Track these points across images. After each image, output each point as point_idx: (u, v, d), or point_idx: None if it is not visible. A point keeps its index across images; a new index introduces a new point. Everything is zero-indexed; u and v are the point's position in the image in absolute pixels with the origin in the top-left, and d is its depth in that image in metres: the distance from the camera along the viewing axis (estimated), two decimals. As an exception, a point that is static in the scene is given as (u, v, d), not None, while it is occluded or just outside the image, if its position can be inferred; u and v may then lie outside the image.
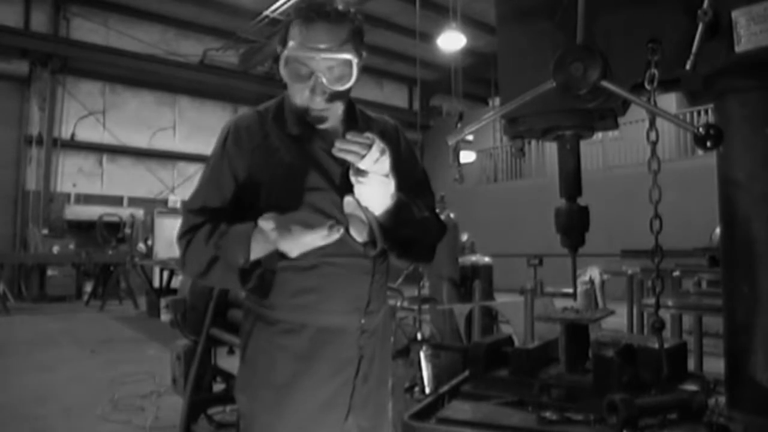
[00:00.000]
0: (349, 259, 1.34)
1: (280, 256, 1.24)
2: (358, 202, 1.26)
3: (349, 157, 1.16)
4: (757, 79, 1.18)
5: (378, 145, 1.17)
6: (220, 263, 1.26)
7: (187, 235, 1.31)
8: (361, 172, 1.19)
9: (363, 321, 1.37)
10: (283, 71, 1.29)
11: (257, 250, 1.23)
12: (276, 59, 1.34)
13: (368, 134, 1.18)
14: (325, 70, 1.27)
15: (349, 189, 1.24)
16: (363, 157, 1.16)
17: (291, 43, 1.27)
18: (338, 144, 1.16)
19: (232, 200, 1.33)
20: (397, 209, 1.28)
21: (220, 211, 1.31)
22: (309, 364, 1.32)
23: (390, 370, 1.55)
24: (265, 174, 1.32)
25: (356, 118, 1.44)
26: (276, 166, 1.32)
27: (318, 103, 1.29)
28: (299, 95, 1.29)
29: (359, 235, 1.30)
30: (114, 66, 13.43)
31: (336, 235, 1.17)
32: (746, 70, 1.17)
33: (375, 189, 1.22)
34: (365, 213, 1.28)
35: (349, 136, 1.16)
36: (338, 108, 1.36)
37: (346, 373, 1.35)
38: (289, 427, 1.32)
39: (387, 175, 1.22)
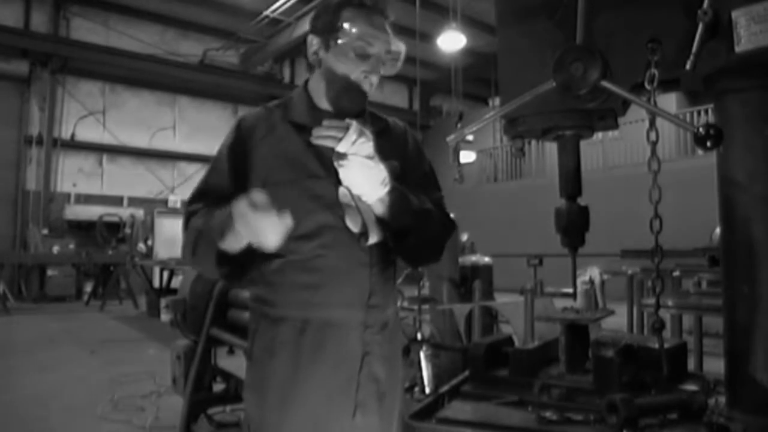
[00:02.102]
0: (346, 250, 1.34)
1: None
2: (350, 192, 1.27)
3: (327, 143, 1.21)
4: (757, 79, 1.18)
5: (355, 128, 1.20)
6: (204, 241, 1.28)
7: (186, 224, 1.36)
8: (341, 156, 1.22)
9: (366, 315, 1.36)
10: (341, 47, 1.34)
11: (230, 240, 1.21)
12: (324, 40, 1.37)
13: (347, 120, 1.22)
14: (384, 54, 1.37)
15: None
16: (340, 140, 1.20)
17: (349, 25, 1.33)
18: (314, 131, 1.21)
19: (233, 188, 1.32)
20: (392, 198, 1.29)
21: (220, 199, 1.31)
22: (312, 360, 1.32)
23: (401, 373, 1.53)
24: (268, 162, 1.34)
25: (364, 116, 1.46)
26: (279, 154, 1.35)
27: (366, 83, 1.37)
28: (354, 73, 1.35)
29: (354, 226, 1.31)
30: (114, 66, 13.44)
31: (287, 222, 1.14)
32: (746, 70, 1.17)
33: (358, 172, 1.23)
34: (358, 202, 1.29)
35: (325, 123, 1.22)
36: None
37: (349, 369, 1.34)
38: (296, 423, 1.31)
39: (371, 158, 1.24)
